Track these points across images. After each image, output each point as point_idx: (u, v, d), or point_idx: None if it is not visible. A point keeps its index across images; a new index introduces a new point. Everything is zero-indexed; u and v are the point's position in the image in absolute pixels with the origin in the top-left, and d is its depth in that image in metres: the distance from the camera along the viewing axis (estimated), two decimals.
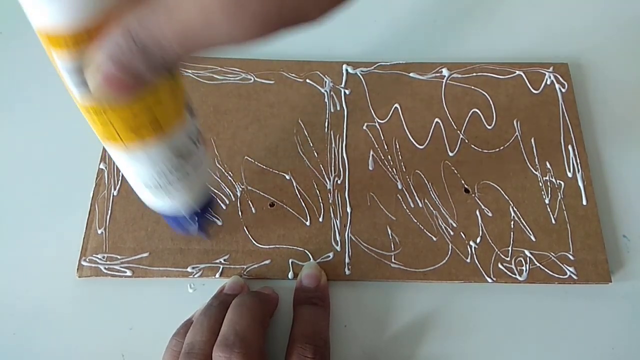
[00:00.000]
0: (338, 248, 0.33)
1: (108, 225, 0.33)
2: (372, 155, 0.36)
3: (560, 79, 0.38)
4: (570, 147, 0.36)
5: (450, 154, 0.36)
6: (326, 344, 0.28)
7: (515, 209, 0.34)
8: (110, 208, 0.34)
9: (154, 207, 0.27)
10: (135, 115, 0.20)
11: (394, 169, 0.35)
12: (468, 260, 0.33)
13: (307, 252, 0.33)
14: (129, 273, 0.32)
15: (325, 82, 0.39)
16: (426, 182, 0.35)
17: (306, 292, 0.31)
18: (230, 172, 0.35)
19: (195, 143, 0.24)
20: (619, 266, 0.33)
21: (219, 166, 0.36)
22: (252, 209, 0.34)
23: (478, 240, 0.33)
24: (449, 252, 0.33)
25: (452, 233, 0.33)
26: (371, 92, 0.38)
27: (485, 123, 0.37)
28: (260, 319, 0.27)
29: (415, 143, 0.36)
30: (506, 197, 0.34)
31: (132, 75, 0.17)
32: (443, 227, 0.34)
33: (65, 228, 0.34)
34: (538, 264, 0.32)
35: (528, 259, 0.33)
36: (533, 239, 0.33)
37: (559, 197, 0.34)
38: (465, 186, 0.35)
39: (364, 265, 0.32)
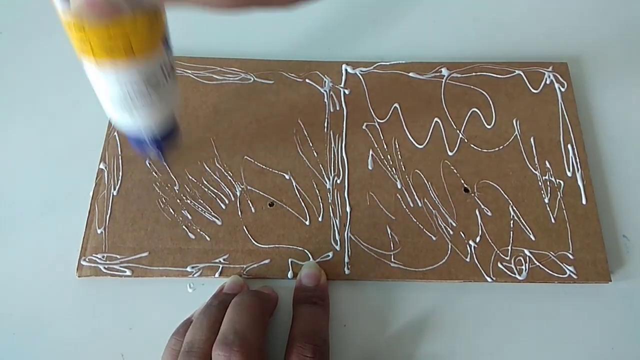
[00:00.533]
0: (337, 247, 0.33)
1: (108, 225, 0.33)
2: (372, 154, 0.36)
3: (560, 78, 0.38)
4: (569, 147, 0.36)
5: (450, 154, 0.36)
6: (326, 343, 0.28)
7: (514, 208, 0.34)
8: (110, 208, 0.34)
9: (117, 125, 0.29)
10: (111, 37, 0.23)
11: (393, 169, 0.35)
12: (467, 260, 0.33)
13: (306, 251, 0.33)
14: (128, 273, 0.32)
15: (325, 82, 0.39)
16: (426, 181, 0.35)
17: (306, 292, 0.31)
18: (230, 172, 0.35)
19: (166, 76, 0.26)
20: (619, 266, 0.33)
21: (219, 166, 0.36)
22: (252, 208, 0.34)
23: (477, 239, 0.33)
24: (449, 252, 0.33)
25: (451, 232, 0.33)
26: (371, 92, 0.38)
27: (484, 122, 0.37)
28: (259, 318, 0.27)
29: (414, 143, 0.36)
30: (506, 196, 0.34)
31: (111, 3, 0.20)
32: (442, 227, 0.34)
33: (65, 228, 0.34)
34: (538, 263, 0.32)
35: (528, 258, 0.33)
36: (533, 238, 0.33)
37: (559, 197, 0.34)
38: (465, 185, 0.35)
39: (364, 265, 0.32)
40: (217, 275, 0.32)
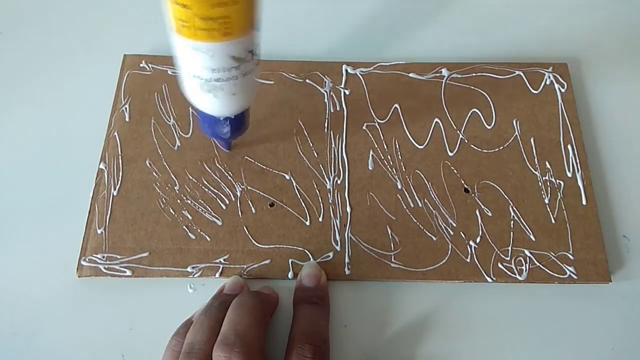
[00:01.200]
0: (338, 248, 0.33)
1: (108, 225, 0.33)
2: (372, 155, 0.36)
3: (560, 79, 0.38)
4: (569, 147, 0.36)
5: (450, 154, 0.36)
6: (326, 343, 0.28)
7: (515, 208, 0.34)
8: (110, 208, 0.34)
9: (194, 103, 0.29)
10: (213, 17, 0.24)
11: (393, 169, 0.35)
12: (468, 260, 0.33)
13: (307, 252, 0.33)
14: (128, 273, 0.32)
15: (325, 82, 0.39)
16: (426, 182, 0.35)
17: (306, 292, 0.31)
18: (230, 172, 0.35)
19: (253, 59, 0.27)
20: (619, 266, 0.33)
21: (219, 166, 0.36)
22: (252, 208, 0.34)
23: (478, 240, 0.33)
24: (449, 252, 0.33)
25: (452, 233, 0.33)
26: (371, 92, 0.38)
27: (484, 123, 0.37)
28: (260, 319, 0.27)
29: (415, 143, 0.36)
30: (506, 196, 0.34)
31: None
32: (443, 227, 0.34)
33: (65, 228, 0.34)
34: (538, 264, 0.32)
35: (528, 258, 0.33)
36: (533, 238, 0.33)
37: (559, 197, 0.34)
38: (465, 186, 0.35)
39: (364, 265, 0.32)
40: (217, 275, 0.32)
